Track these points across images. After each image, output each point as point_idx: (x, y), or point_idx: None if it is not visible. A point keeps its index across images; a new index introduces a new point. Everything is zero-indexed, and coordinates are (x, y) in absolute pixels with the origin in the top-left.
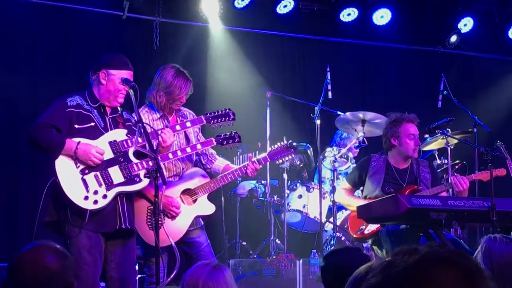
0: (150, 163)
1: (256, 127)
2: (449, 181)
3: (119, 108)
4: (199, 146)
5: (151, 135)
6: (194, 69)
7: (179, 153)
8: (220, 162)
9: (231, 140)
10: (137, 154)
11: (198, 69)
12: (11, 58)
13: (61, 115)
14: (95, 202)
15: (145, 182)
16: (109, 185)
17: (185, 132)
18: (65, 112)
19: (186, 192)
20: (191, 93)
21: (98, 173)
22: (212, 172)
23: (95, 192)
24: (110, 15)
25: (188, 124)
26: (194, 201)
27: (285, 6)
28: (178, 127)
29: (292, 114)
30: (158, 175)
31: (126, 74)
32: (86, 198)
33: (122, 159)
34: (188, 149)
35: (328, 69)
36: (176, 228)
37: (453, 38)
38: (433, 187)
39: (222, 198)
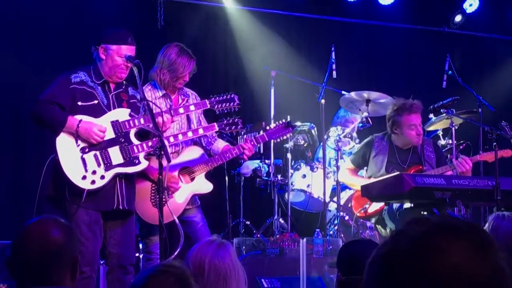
0: (150, 143)
1: (261, 106)
2: (451, 164)
3: (124, 83)
4: (201, 131)
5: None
6: (198, 48)
7: (180, 136)
8: (219, 143)
9: (233, 126)
10: (139, 135)
11: (203, 49)
12: (15, 39)
13: (64, 91)
14: (93, 182)
15: (144, 164)
16: (108, 165)
17: (187, 114)
18: (68, 88)
19: (184, 170)
20: (195, 72)
21: (98, 152)
22: (211, 153)
23: (93, 172)
24: None
25: (192, 107)
26: (192, 179)
27: None
28: (181, 110)
29: (297, 94)
30: (162, 152)
31: (126, 49)
32: (84, 177)
33: (123, 140)
34: (190, 133)
35: (332, 49)
36: (173, 206)
37: (458, 18)
38: (438, 166)
39: (226, 178)
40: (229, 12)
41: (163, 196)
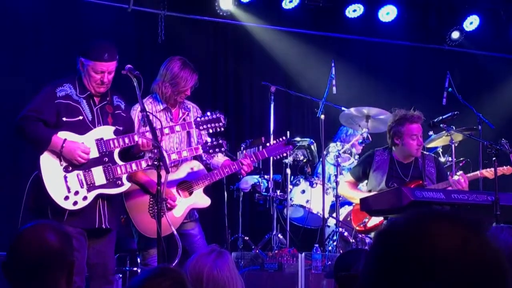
0: (134, 166)
1: (260, 122)
2: (448, 181)
3: (108, 93)
4: (184, 154)
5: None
6: (198, 63)
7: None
8: (219, 158)
9: (217, 149)
10: (123, 155)
11: (203, 63)
12: (14, 51)
13: (49, 107)
14: (75, 203)
15: (127, 186)
16: (90, 186)
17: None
18: (53, 103)
19: (183, 184)
20: (196, 86)
21: (81, 172)
22: (211, 167)
23: (76, 193)
24: (115, 7)
25: (178, 128)
26: (190, 193)
27: (290, 1)
28: (166, 131)
29: (296, 109)
30: (161, 163)
31: (101, 65)
32: (67, 198)
33: (107, 159)
34: (174, 156)
35: (333, 65)
36: (170, 219)
37: (455, 35)
38: (439, 182)
39: (225, 193)
40: (230, 28)
41: (161, 207)
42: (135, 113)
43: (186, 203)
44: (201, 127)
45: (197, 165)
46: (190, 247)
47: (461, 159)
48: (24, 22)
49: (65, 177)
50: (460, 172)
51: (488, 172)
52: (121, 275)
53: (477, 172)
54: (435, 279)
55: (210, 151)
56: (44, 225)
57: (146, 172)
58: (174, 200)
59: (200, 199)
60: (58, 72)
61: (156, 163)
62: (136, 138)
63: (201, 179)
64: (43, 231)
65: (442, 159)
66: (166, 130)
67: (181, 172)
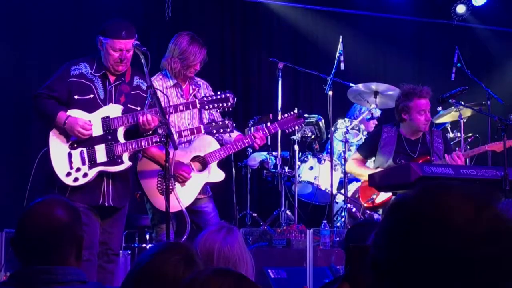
0: (134, 144)
1: (268, 99)
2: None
3: (128, 72)
4: (185, 133)
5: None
6: (205, 40)
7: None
8: (231, 133)
9: (221, 129)
10: (128, 134)
11: (210, 40)
12: (21, 32)
13: (62, 85)
14: (75, 179)
15: (127, 164)
16: (92, 163)
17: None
18: (66, 82)
19: (196, 159)
20: (206, 62)
21: (84, 149)
22: (223, 142)
23: (78, 170)
24: None
25: (181, 107)
26: (204, 168)
27: None
28: (171, 110)
29: (304, 86)
30: (169, 140)
31: (119, 43)
32: (69, 174)
33: (110, 137)
34: (176, 136)
35: (340, 40)
36: (185, 194)
37: (461, 9)
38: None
39: (233, 170)
40: (237, 4)
41: (170, 184)
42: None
43: (201, 178)
44: (207, 106)
45: (209, 140)
46: (205, 225)
47: (470, 134)
48: (30, 3)
49: (69, 154)
50: (457, 149)
51: (496, 145)
52: (129, 252)
53: (485, 146)
54: (448, 251)
55: (214, 131)
56: (52, 200)
57: (158, 146)
58: (188, 172)
59: (214, 173)
60: (65, 52)
61: (164, 139)
62: (141, 119)
63: (215, 153)
64: (52, 206)
65: (450, 135)
66: (171, 109)
67: (194, 147)
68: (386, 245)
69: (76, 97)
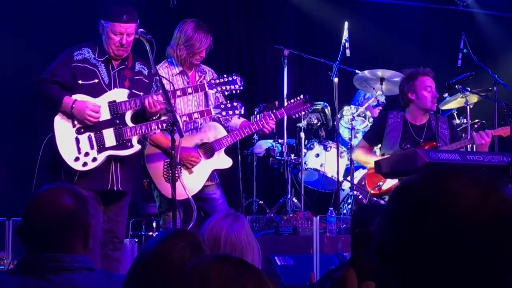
0: (144, 128)
1: (273, 86)
2: (471, 136)
3: (129, 57)
4: (195, 115)
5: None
6: (210, 27)
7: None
8: (237, 120)
9: (230, 111)
10: (135, 118)
11: (215, 27)
12: (26, 17)
13: (65, 70)
14: (84, 164)
15: (137, 147)
16: (101, 147)
17: (205, 92)
18: (69, 67)
19: (203, 145)
20: (211, 49)
21: (92, 134)
22: (229, 129)
23: (86, 154)
24: None
25: (190, 90)
26: (212, 155)
27: None
28: (178, 93)
29: (310, 73)
30: (175, 128)
31: (120, 27)
32: (77, 159)
33: (118, 121)
34: (185, 118)
35: (346, 27)
36: (193, 181)
37: None
38: (452, 143)
39: (239, 157)
40: None
41: (176, 172)
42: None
43: (208, 165)
44: (216, 89)
45: (217, 126)
46: (213, 212)
47: (476, 120)
48: None
49: (77, 139)
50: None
51: (502, 130)
52: (136, 240)
53: (491, 131)
54: (453, 236)
55: (223, 113)
56: (59, 188)
57: (165, 134)
58: (197, 156)
59: (222, 160)
60: (69, 40)
61: (169, 127)
62: (146, 102)
63: (222, 140)
64: (59, 194)
65: (457, 121)
66: (178, 93)
67: (202, 134)
68: (390, 230)
69: (80, 82)
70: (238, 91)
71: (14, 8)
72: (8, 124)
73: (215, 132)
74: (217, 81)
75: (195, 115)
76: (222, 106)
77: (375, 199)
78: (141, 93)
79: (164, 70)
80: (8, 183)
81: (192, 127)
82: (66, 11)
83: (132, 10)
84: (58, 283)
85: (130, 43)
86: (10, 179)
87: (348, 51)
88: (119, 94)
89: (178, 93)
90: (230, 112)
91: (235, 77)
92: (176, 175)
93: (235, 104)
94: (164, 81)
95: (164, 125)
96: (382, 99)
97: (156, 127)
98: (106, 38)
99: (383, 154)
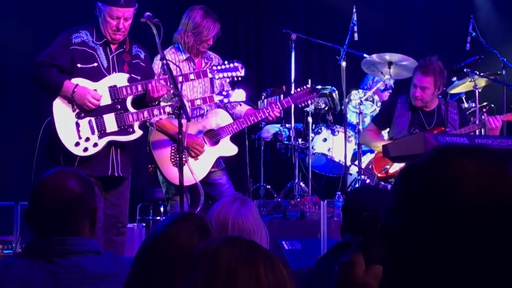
0: (146, 113)
1: (281, 70)
2: (482, 119)
3: (127, 41)
4: (198, 102)
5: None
6: (218, 12)
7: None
8: (242, 107)
9: (232, 98)
10: (136, 103)
11: (222, 13)
12: (34, 7)
13: (64, 53)
14: (85, 149)
15: (138, 133)
16: (102, 133)
17: (211, 78)
18: (68, 50)
19: (209, 133)
20: (219, 36)
21: (93, 119)
22: (234, 117)
23: (87, 139)
24: None
25: (192, 76)
26: (217, 142)
27: None
28: (180, 79)
29: (318, 57)
30: (182, 112)
31: (117, 11)
32: (77, 144)
33: (119, 106)
34: (187, 104)
35: (354, 11)
36: (199, 168)
37: None
38: (461, 128)
39: (247, 142)
40: None
41: (183, 156)
42: (158, 62)
43: (214, 152)
44: (218, 75)
45: (223, 114)
46: (219, 197)
47: (485, 104)
48: None
49: (77, 123)
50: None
51: (511, 115)
52: (144, 224)
53: (500, 116)
54: (461, 219)
55: (226, 100)
56: (65, 172)
57: (171, 120)
58: (202, 146)
59: (227, 147)
60: (78, 21)
61: (177, 111)
62: (149, 86)
63: (228, 127)
64: (65, 178)
65: (465, 105)
66: (180, 79)
67: (207, 121)
68: (397, 212)
69: (79, 65)
70: (240, 78)
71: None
72: (16, 109)
73: (220, 119)
74: (219, 67)
75: (198, 102)
76: (224, 93)
77: (382, 183)
78: (139, 77)
79: (171, 56)
80: (16, 167)
81: (198, 114)
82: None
83: None
84: (65, 266)
85: (127, 28)
86: (18, 164)
87: (356, 35)
88: (119, 79)
89: (180, 79)
90: (232, 99)
91: (236, 64)
92: (184, 159)
93: (237, 90)
94: (171, 65)
95: (171, 109)
96: (390, 83)
97: (158, 112)
98: (102, 21)
99: (391, 138)
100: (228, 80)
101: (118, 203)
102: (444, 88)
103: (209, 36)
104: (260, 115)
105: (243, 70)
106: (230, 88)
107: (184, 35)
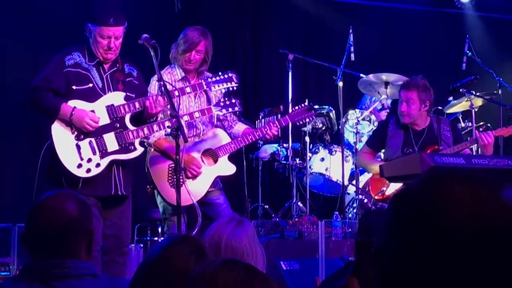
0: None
1: (278, 90)
2: (474, 137)
3: (119, 60)
4: (196, 114)
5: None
6: (215, 32)
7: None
8: (239, 127)
9: (230, 108)
10: (135, 120)
11: (220, 33)
12: (30, 19)
13: (59, 76)
14: (88, 170)
15: (140, 150)
16: (103, 153)
17: (207, 95)
18: (62, 73)
19: (207, 152)
20: (210, 54)
21: (93, 139)
22: (232, 136)
23: (89, 160)
24: None
25: (188, 90)
26: (215, 161)
27: None
28: (176, 93)
29: (315, 77)
30: (179, 133)
31: (108, 30)
32: (80, 166)
33: (118, 125)
34: (186, 117)
35: (351, 31)
36: (196, 188)
37: None
38: (455, 145)
39: (244, 162)
40: None
41: (181, 177)
42: (154, 82)
43: (212, 171)
44: (213, 87)
45: (220, 133)
46: (217, 217)
47: (481, 123)
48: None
49: (77, 145)
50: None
51: (502, 130)
52: (142, 245)
53: (492, 131)
54: (453, 246)
55: (223, 110)
56: (62, 195)
57: (169, 140)
58: (199, 167)
59: (225, 166)
60: (73, 42)
61: (174, 132)
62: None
63: (226, 147)
64: (62, 201)
65: (462, 125)
66: (176, 93)
67: (205, 141)
68: (389, 238)
69: (74, 87)
70: (235, 88)
71: (22, 17)
72: (14, 130)
73: (218, 138)
74: (214, 78)
75: (196, 114)
76: (222, 104)
77: (380, 203)
78: (133, 95)
79: (166, 75)
80: (14, 189)
81: (194, 133)
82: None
83: (119, 12)
84: None
85: (118, 47)
86: (15, 185)
87: (352, 55)
88: (116, 98)
89: (176, 93)
90: (230, 110)
91: (230, 75)
92: (181, 180)
93: (234, 101)
94: (169, 86)
95: (169, 130)
96: (387, 102)
97: (157, 128)
98: (93, 42)
99: (386, 159)
100: (224, 90)
101: (119, 223)
102: (440, 108)
103: (191, 46)
104: (258, 134)
105: (238, 80)
106: (227, 98)
107: (172, 50)
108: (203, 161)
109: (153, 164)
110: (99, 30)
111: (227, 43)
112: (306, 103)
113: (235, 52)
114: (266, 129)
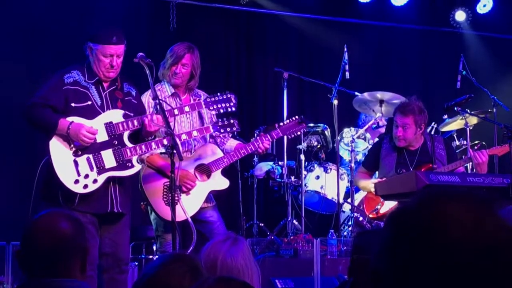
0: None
1: (273, 108)
2: (468, 155)
3: (118, 79)
4: (194, 133)
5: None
6: (211, 50)
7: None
8: (232, 142)
9: (228, 128)
10: (133, 138)
11: (215, 51)
12: (26, 37)
13: (57, 94)
14: (85, 186)
15: (137, 167)
16: (101, 169)
17: (199, 112)
18: (61, 90)
19: (200, 167)
20: (200, 69)
21: (90, 156)
22: (224, 152)
23: (86, 176)
24: None
25: (187, 109)
26: (208, 176)
27: None
28: (176, 112)
29: (310, 95)
30: (174, 151)
31: (110, 48)
32: (77, 181)
33: (116, 142)
34: (184, 136)
35: (345, 50)
36: (190, 203)
37: (460, 16)
38: (450, 163)
39: (239, 180)
40: (242, 15)
41: (175, 194)
42: (146, 98)
43: (205, 186)
44: (211, 107)
45: (212, 148)
46: (210, 234)
47: (476, 142)
48: (34, 9)
49: (75, 161)
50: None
51: (496, 149)
52: (137, 263)
53: (487, 150)
54: (448, 264)
55: (222, 130)
56: (56, 213)
57: (162, 156)
58: (193, 181)
59: (219, 181)
60: (70, 60)
61: (169, 150)
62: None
63: (219, 161)
64: (56, 219)
65: (457, 143)
66: (176, 111)
67: (198, 156)
68: (385, 257)
69: (73, 104)
70: (234, 109)
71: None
72: (9, 147)
73: (211, 153)
74: (212, 99)
75: (195, 133)
76: (220, 124)
77: (375, 221)
78: (132, 114)
79: (158, 92)
80: (8, 207)
81: (186, 149)
82: (70, 36)
83: (119, 31)
84: None
85: (119, 65)
86: (10, 203)
87: (347, 74)
88: (115, 115)
89: (176, 112)
90: (228, 129)
91: (229, 95)
92: (176, 198)
93: (232, 121)
94: (167, 106)
95: (164, 149)
96: (382, 121)
97: (156, 146)
98: (95, 61)
99: (381, 179)
100: (222, 111)
101: (117, 240)
102: (435, 126)
103: (177, 59)
104: (250, 147)
105: (236, 101)
106: (225, 119)
107: (160, 67)
108: (196, 176)
109: (147, 182)
110: (101, 48)
111: (222, 61)
112: (297, 116)
113: (229, 71)
114: (258, 143)
